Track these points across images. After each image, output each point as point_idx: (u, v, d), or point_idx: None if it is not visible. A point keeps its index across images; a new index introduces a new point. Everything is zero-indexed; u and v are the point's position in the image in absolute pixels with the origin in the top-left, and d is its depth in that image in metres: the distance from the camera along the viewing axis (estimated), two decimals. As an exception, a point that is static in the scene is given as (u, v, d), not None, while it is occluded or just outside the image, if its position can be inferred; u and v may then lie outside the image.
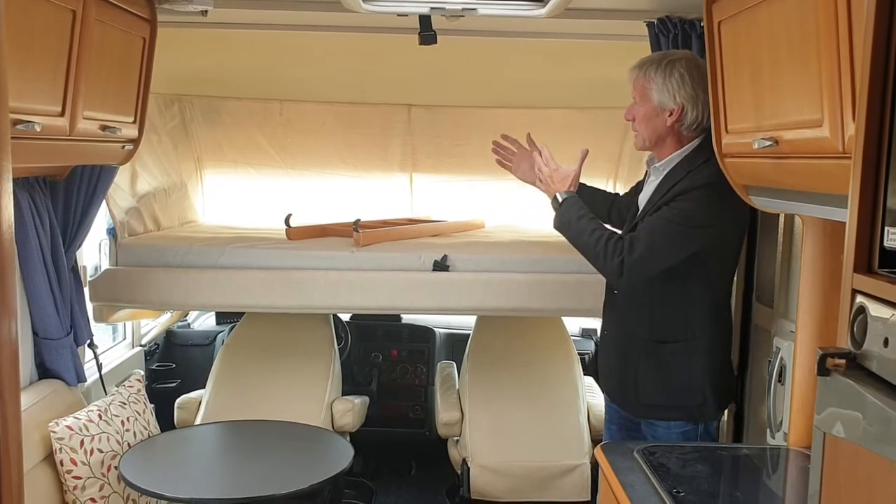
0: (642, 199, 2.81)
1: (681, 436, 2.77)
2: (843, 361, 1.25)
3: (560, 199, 2.75)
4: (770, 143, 2.13)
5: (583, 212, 2.71)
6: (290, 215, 4.02)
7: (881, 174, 1.23)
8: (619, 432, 2.99)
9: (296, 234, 3.97)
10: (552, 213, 2.83)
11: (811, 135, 1.93)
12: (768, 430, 2.80)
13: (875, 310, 1.22)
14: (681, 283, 2.67)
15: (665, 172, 2.69)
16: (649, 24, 3.06)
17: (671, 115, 2.64)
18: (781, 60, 2.09)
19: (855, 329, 1.26)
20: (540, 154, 2.88)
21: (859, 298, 1.26)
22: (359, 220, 3.86)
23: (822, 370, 1.27)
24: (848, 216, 1.29)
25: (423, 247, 3.83)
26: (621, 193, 3.23)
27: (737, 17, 2.35)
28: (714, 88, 2.57)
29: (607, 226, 2.79)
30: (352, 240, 3.79)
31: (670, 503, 2.06)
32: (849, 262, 1.28)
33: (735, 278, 3.29)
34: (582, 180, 2.93)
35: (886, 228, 1.21)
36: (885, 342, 1.18)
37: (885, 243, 1.22)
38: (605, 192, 3.27)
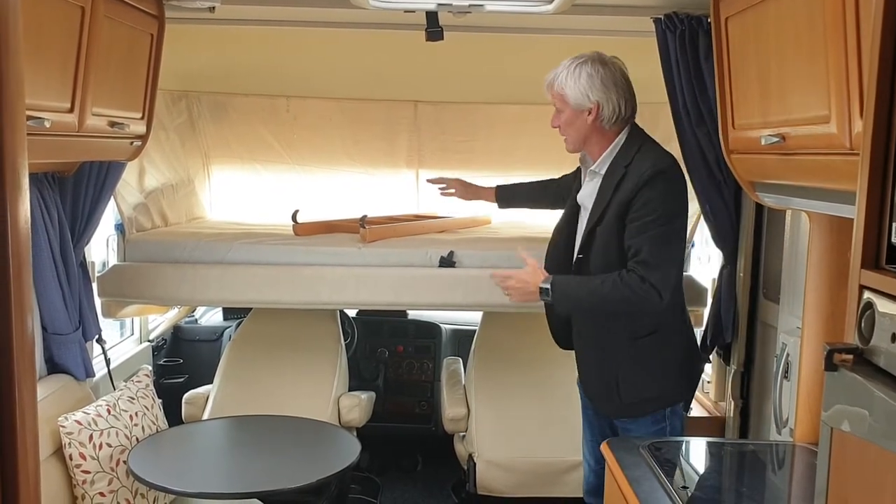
0: (584, 198, 2.86)
1: (654, 434, 2.79)
2: (850, 357, 1.26)
3: (548, 287, 2.73)
4: (777, 139, 2.13)
5: (572, 281, 2.77)
6: (297, 211, 4.03)
7: (889, 170, 1.23)
8: (595, 415, 3.05)
9: (303, 230, 3.98)
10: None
11: (818, 131, 1.94)
12: (774, 425, 2.80)
13: (882, 305, 1.22)
14: None
15: (602, 173, 2.77)
16: (656, 21, 3.05)
17: (590, 113, 2.73)
18: (789, 56, 2.09)
19: (862, 325, 1.27)
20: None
21: (867, 294, 1.27)
22: (365, 217, 3.87)
23: (830, 365, 1.27)
24: (856, 212, 1.30)
25: (429, 243, 3.83)
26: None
27: (744, 14, 2.36)
28: (721, 84, 2.58)
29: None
30: (359, 236, 3.80)
31: (677, 498, 2.07)
32: (856, 257, 1.29)
33: (742, 274, 3.30)
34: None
35: (894, 224, 1.22)
36: (893, 338, 1.19)
37: (893, 239, 1.23)
38: (535, 182, 3.50)
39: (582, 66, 2.71)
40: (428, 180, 3.80)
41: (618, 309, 2.71)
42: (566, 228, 2.98)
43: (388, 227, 3.99)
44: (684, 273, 3.87)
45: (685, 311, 2.94)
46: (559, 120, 2.81)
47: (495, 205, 3.62)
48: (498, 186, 3.57)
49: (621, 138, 2.76)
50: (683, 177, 2.77)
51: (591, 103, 2.71)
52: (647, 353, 2.77)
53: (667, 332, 2.79)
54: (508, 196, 3.57)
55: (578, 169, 3.05)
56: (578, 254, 2.82)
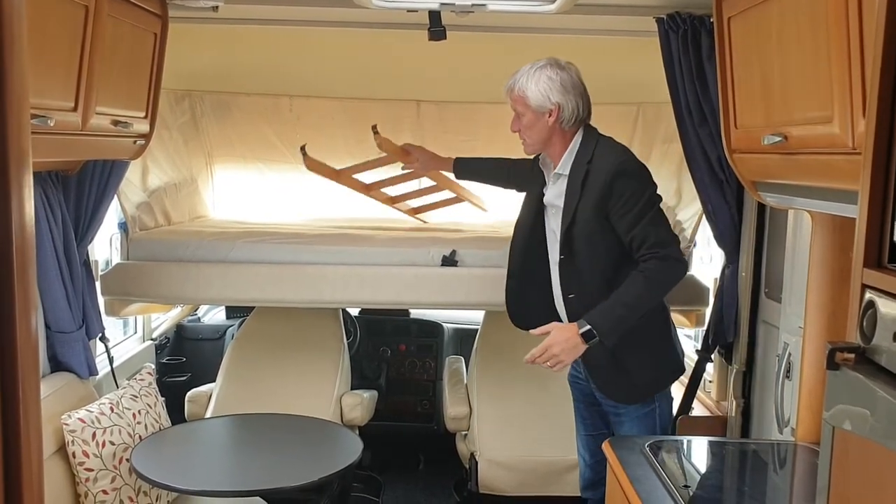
0: (553, 199, 2.92)
1: (645, 415, 2.91)
2: (852, 356, 1.26)
3: (589, 329, 2.72)
4: (779, 138, 2.13)
5: (604, 309, 2.73)
6: (305, 145, 4.20)
7: (891, 169, 1.23)
8: (586, 409, 3.15)
9: (313, 165, 4.16)
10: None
11: (821, 131, 1.94)
12: (776, 425, 2.80)
13: (884, 304, 1.23)
14: (626, 261, 2.79)
15: (567, 173, 2.85)
16: (659, 21, 3.05)
17: (550, 115, 2.83)
18: (791, 56, 2.09)
19: (864, 324, 1.27)
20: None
21: (869, 293, 1.27)
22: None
23: (832, 364, 1.28)
24: (858, 211, 1.30)
25: (431, 242, 3.84)
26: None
27: (746, 13, 2.36)
28: (723, 84, 2.58)
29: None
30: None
31: (678, 497, 2.07)
32: (858, 257, 1.29)
33: (744, 273, 3.30)
34: None
35: (896, 224, 1.22)
36: (895, 337, 1.19)
37: (895, 238, 1.23)
38: (495, 159, 3.59)
39: (541, 70, 2.82)
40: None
41: (657, 298, 2.81)
42: (534, 228, 3.04)
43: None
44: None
45: None
46: (519, 124, 2.90)
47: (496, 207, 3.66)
48: (456, 158, 3.66)
49: (578, 138, 2.87)
50: (646, 171, 2.87)
51: (551, 105, 2.81)
52: (646, 335, 2.85)
53: (654, 312, 2.85)
54: (465, 168, 3.67)
55: (535, 163, 3.13)
56: (560, 255, 2.87)
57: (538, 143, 2.91)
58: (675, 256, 2.74)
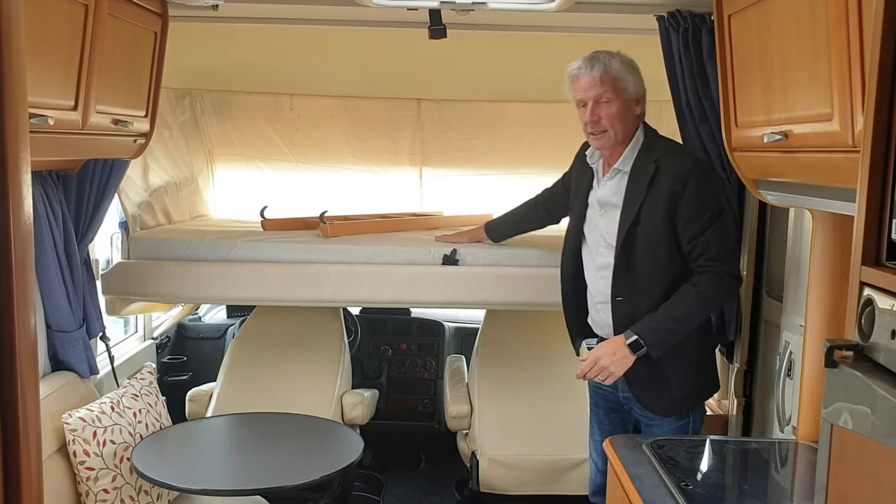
0: (609, 197, 2.78)
1: (680, 427, 2.82)
2: (850, 353, 1.26)
3: (636, 339, 2.67)
4: (780, 136, 2.13)
5: (653, 321, 2.67)
6: (265, 207, 4.11)
7: (889, 167, 1.23)
8: (606, 415, 3.03)
9: (270, 225, 4.04)
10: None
11: (821, 129, 1.94)
12: (777, 423, 2.81)
13: (882, 302, 1.22)
14: (684, 268, 2.71)
15: (628, 170, 2.73)
16: (659, 18, 3.05)
17: (638, 103, 2.73)
18: (791, 54, 2.09)
19: (862, 321, 1.27)
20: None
21: (867, 291, 1.27)
22: (325, 212, 3.91)
23: (830, 362, 1.28)
24: (856, 209, 1.30)
25: (432, 241, 3.84)
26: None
27: (747, 11, 2.35)
28: (724, 82, 2.58)
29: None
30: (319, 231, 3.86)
31: (678, 496, 2.07)
32: (857, 254, 1.29)
33: (745, 272, 3.30)
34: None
35: (894, 221, 1.22)
36: (893, 334, 1.19)
37: (893, 236, 1.23)
38: (520, 209, 3.51)
39: (623, 56, 2.69)
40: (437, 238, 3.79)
41: (707, 314, 2.76)
42: (580, 232, 2.93)
43: (350, 224, 4.00)
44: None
45: None
46: (606, 111, 2.69)
47: (498, 205, 3.65)
48: (486, 226, 3.63)
49: (640, 134, 2.75)
50: (715, 176, 2.84)
51: (642, 91, 2.71)
52: (688, 349, 2.76)
53: (704, 327, 2.81)
54: (498, 232, 3.63)
55: (570, 172, 3.06)
56: (616, 256, 2.73)
57: (622, 135, 2.71)
58: (731, 273, 2.67)
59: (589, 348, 2.84)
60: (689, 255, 2.67)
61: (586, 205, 2.89)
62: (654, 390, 2.80)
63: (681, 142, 3.16)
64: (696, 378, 2.84)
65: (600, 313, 2.87)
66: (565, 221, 3.15)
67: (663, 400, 2.80)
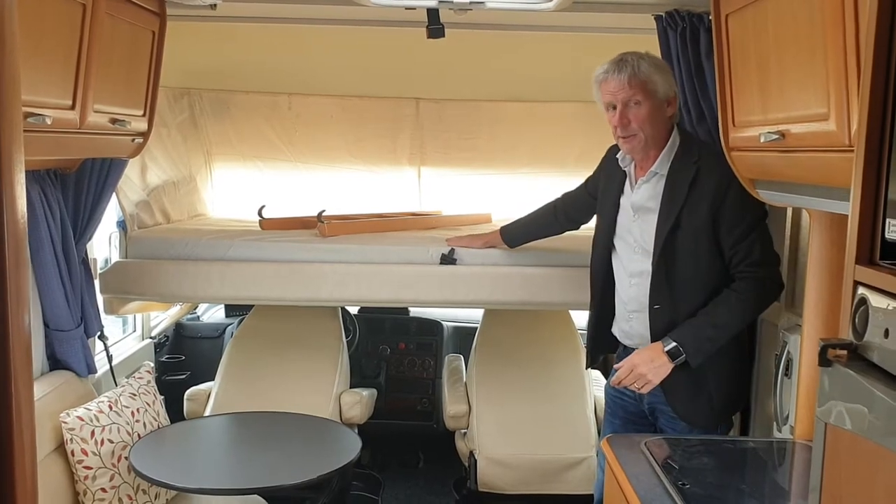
0: (644, 201, 2.72)
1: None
2: (844, 352, 1.26)
3: (675, 346, 2.61)
4: (777, 136, 2.13)
5: (692, 328, 2.62)
6: (263, 207, 4.10)
7: (883, 166, 1.24)
8: (623, 426, 2.97)
9: (268, 224, 4.03)
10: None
11: (817, 128, 1.94)
12: (775, 423, 2.81)
13: (876, 301, 1.23)
14: (725, 274, 2.67)
15: (665, 173, 2.67)
16: (657, 18, 3.05)
17: (670, 105, 2.66)
18: (788, 54, 2.09)
19: (856, 320, 1.27)
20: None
21: (861, 290, 1.27)
22: (323, 212, 3.90)
23: (824, 361, 1.28)
24: (850, 208, 1.30)
25: (430, 240, 3.84)
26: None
27: (744, 11, 2.35)
28: (721, 82, 2.58)
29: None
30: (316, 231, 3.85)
31: (676, 495, 2.07)
32: (850, 253, 1.29)
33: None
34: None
35: (888, 220, 1.22)
36: (886, 333, 1.19)
37: (887, 235, 1.23)
38: (538, 214, 3.39)
39: (649, 57, 2.64)
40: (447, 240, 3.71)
41: (748, 321, 2.70)
42: (610, 238, 2.86)
43: (348, 223, 4.00)
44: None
45: None
46: (636, 114, 2.62)
47: (497, 205, 3.62)
48: (501, 230, 3.54)
49: (676, 137, 2.69)
50: None
51: (673, 93, 2.65)
52: (727, 358, 2.73)
53: (740, 339, 2.77)
54: (515, 236, 3.52)
55: (595, 176, 3.02)
56: (654, 263, 2.66)
57: (653, 138, 2.65)
58: (773, 279, 2.62)
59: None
60: (730, 260, 2.61)
61: (617, 210, 2.82)
62: (693, 400, 2.72)
63: None
64: (732, 389, 2.79)
65: (632, 322, 2.78)
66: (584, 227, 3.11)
67: (702, 410, 2.73)
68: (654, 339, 2.69)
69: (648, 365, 2.62)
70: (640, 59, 2.62)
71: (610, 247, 2.86)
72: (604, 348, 3.02)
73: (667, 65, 2.68)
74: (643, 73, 2.60)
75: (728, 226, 2.59)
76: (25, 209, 1.06)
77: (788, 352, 2.75)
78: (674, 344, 2.59)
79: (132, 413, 3.22)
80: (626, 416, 2.95)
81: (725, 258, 2.62)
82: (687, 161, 2.64)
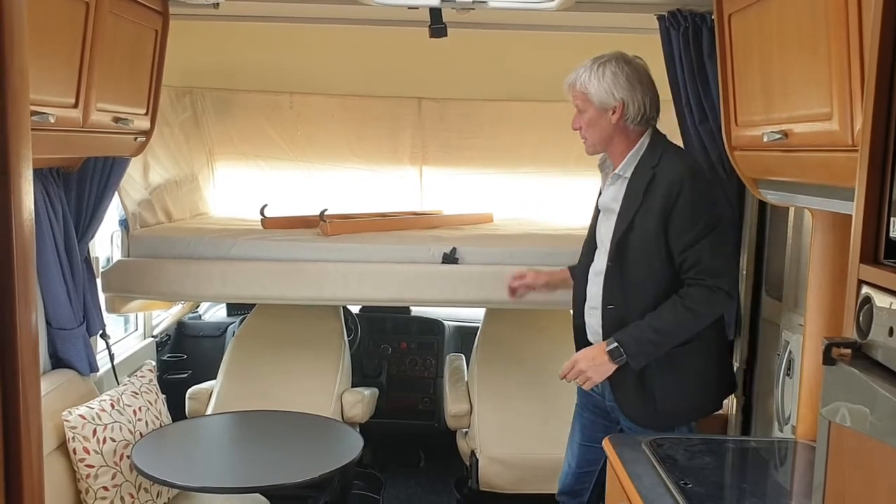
0: (608, 203, 2.78)
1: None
2: (848, 351, 1.26)
3: (616, 347, 2.64)
4: (779, 136, 2.14)
5: (636, 330, 2.64)
6: (265, 206, 4.09)
7: (888, 165, 1.24)
8: (591, 420, 2.99)
9: (271, 224, 4.02)
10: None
11: (821, 128, 1.94)
12: (776, 422, 2.81)
13: (880, 300, 1.23)
14: (676, 279, 2.66)
15: (628, 176, 2.70)
16: (660, 18, 3.05)
17: (614, 112, 2.68)
18: (791, 53, 2.09)
19: (860, 319, 1.27)
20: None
21: (865, 289, 1.27)
22: (325, 211, 3.90)
23: (828, 360, 1.28)
24: (854, 207, 1.30)
25: (432, 239, 3.84)
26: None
27: (747, 10, 2.36)
28: (724, 81, 2.58)
29: None
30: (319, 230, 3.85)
31: (678, 495, 2.07)
32: (855, 252, 1.29)
33: (745, 271, 3.31)
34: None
35: (892, 219, 1.22)
36: (890, 332, 1.19)
37: (891, 234, 1.23)
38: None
39: (605, 64, 2.67)
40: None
41: (695, 329, 2.65)
42: (591, 233, 2.90)
43: (350, 222, 3.99)
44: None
45: (722, 321, 2.86)
46: (581, 121, 2.74)
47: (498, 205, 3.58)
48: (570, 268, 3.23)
49: (645, 140, 2.71)
50: (713, 184, 2.79)
51: (615, 101, 2.66)
52: (683, 363, 2.71)
53: (702, 342, 2.73)
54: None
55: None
56: (608, 262, 2.70)
57: (599, 143, 2.75)
58: (722, 288, 2.58)
59: None
60: (680, 266, 2.62)
61: (597, 210, 2.89)
62: (637, 400, 2.75)
63: (682, 142, 3.16)
64: (689, 395, 2.77)
65: (591, 318, 2.83)
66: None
67: (646, 412, 2.75)
68: (605, 337, 2.73)
69: (589, 363, 2.68)
70: (587, 68, 2.69)
71: (592, 245, 2.90)
72: (583, 344, 3.03)
73: (621, 71, 2.65)
74: (581, 82, 2.69)
75: (677, 231, 2.59)
76: (33, 208, 1.06)
77: (790, 351, 2.75)
78: (615, 345, 2.63)
79: (134, 412, 3.22)
80: (595, 409, 2.99)
81: (676, 264, 2.63)
82: (647, 165, 2.66)
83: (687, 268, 2.60)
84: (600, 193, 2.89)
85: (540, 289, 3.21)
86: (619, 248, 2.67)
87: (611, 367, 2.65)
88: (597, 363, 2.66)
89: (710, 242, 2.59)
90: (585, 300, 2.88)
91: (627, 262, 2.67)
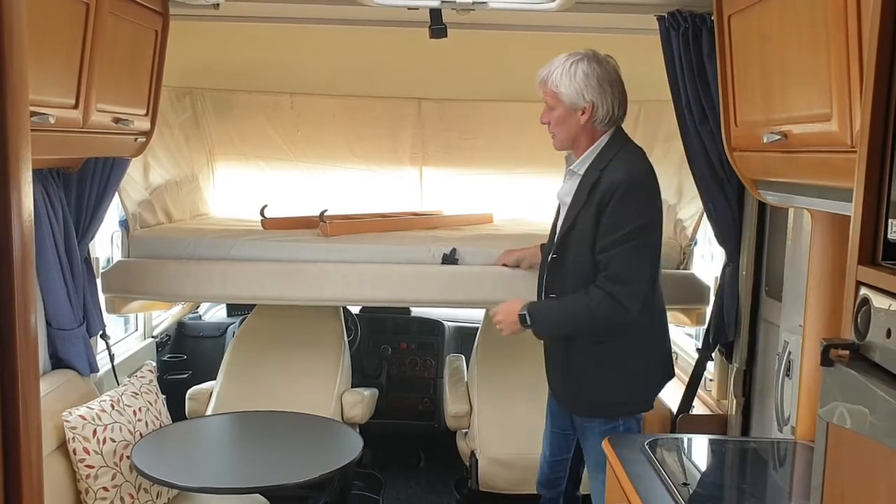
0: (563, 196, 2.87)
1: (605, 432, 2.77)
2: (846, 352, 1.27)
3: (524, 315, 2.80)
4: (779, 136, 2.14)
5: (546, 306, 2.83)
6: (265, 206, 4.09)
7: (886, 167, 1.24)
8: (559, 409, 3.06)
9: (271, 224, 4.03)
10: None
11: (820, 129, 1.94)
12: (776, 423, 2.81)
13: (878, 301, 1.23)
14: None
15: (581, 173, 2.76)
16: (660, 19, 3.05)
17: (583, 113, 2.71)
18: (791, 54, 2.10)
19: (858, 320, 1.27)
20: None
21: (863, 290, 1.27)
22: (325, 211, 3.90)
23: (826, 361, 1.28)
24: (853, 208, 1.30)
25: (432, 240, 3.84)
26: None
27: (747, 11, 2.36)
28: (724, 82, 2.58)
29: None
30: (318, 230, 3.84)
31: (677, 495, 2.07)
32: (853, 253, 1.30)
33: (744, 272, 3.31)
34: None
35: (890, 221, 1.23)
36: (888, 333, 1.19)
37: (889, 235, 1.23)
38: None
39: (578, 63, 2.69)
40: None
41: (593, 327, 2.72)
42: (553, 226, 2.99)
43: (350, 223, 4.00)
44: (687, 272, 3.88)
45: (661, 324, 2.91)
46: (549, 117, 2.79)
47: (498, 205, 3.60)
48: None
49: (604, 140, 2.75)
50: (657, 187, 2.77)
51: (585, 103, 2.69)
52: (611, 358, 2.78)
53: (634, 341, 2.78)
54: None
55: None
56: (553, 254, 2.81)
57: (567, 140, 2.79)
58: (620, 298, 2.61)
59: None
60: (596, 266, 2.68)
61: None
62: (563, 385, 2.91)
63: (680, 141, 3.16)
64: (619, 386, 2.80)
65: None
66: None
67: (574, 399, 2.89)
68: None
69: (504, 314, 2.87)
70: (556, 68, 2.72)
71: (553, 235, 2.97)
72: None
73: (596, 75, 2.67)
74: (553, 80, 2.73)
75: (601, 233, 2.65)
76: (33, 209, 1.06)
77: (789, 352, 2.75)
78: (526, 311, 2.79)
79: (134, 412, 3.22)
80: (556, 408, 3.10)
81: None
82: (597, 166, 2.71)
83: (599, 270, 2.68)
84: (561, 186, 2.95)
85: (523, 266, 3.52)
86: (563, 242, 2.78)
87: (516, 327, 2.83)
88: (509, 320, 2.84)
89: (624, 252, 2.62)
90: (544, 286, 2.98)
91: (568, 255, 2.77)
